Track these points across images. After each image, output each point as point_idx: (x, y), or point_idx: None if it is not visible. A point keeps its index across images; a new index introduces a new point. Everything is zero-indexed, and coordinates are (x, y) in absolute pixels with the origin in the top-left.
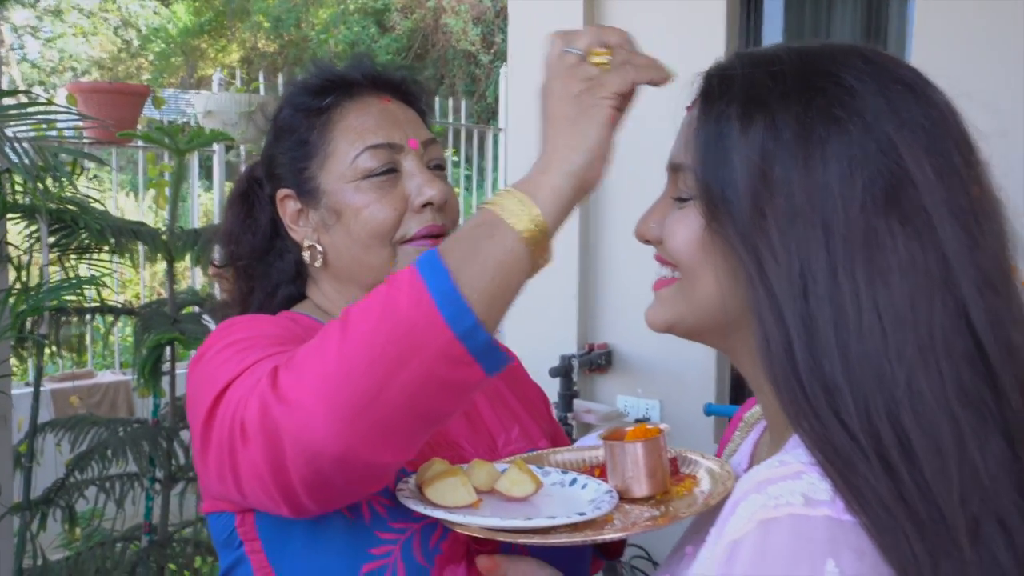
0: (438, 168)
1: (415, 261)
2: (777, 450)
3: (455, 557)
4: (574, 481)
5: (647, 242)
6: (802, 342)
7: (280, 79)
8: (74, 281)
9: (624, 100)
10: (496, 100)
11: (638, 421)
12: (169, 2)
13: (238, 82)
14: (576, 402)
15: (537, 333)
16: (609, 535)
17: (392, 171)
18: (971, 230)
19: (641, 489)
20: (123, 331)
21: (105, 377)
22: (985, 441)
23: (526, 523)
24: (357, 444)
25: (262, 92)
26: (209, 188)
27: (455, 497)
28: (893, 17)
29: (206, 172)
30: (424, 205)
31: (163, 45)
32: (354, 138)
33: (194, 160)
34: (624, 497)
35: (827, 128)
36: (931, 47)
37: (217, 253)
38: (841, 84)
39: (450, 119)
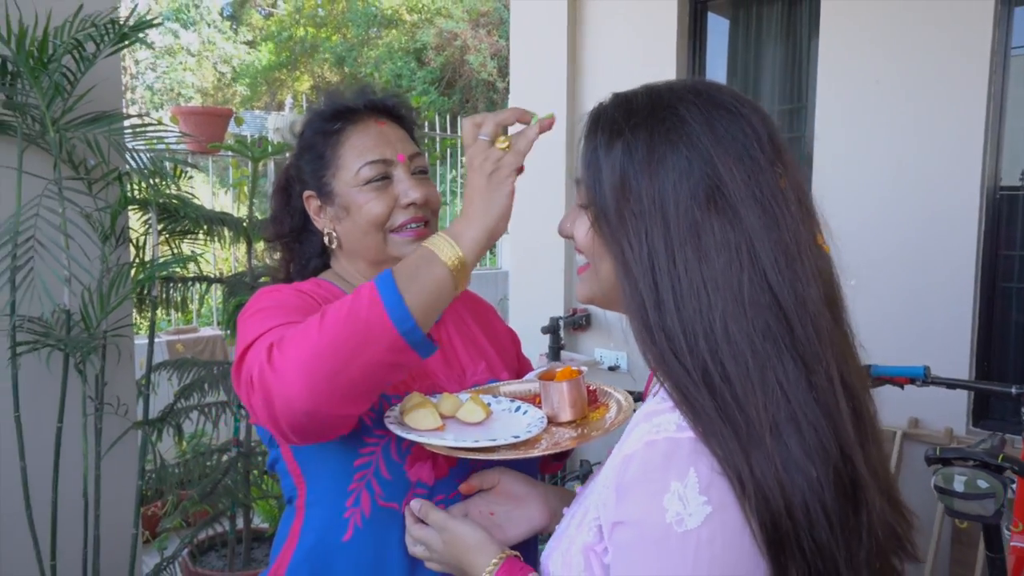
0: (422, 173)
1: (375, 280)
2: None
3: (421, 457)
4: (518, 408)
5: (567, 238)
6: (651, 303)
7: None
8: (177, 257)
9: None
10: None
11: (611, 368)
12: (256, 44)
13: (304, 105)
14: (563, 353)
15: (532, 300)
16: (538, 452)
17: (385, 178)
18: (773, 214)
19: (565, 415)
20: (219, 296)
21: (206, 332)
22: (781, 365)
23: (474, 443)
24: (324, 403)
25: None
26: None
27: (425, 423)
28: (803, 54)
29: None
30: (409, 204)
31: (250, 78)
32: (357, 154)
33: (270, 166)
34: (553, 421)
35: (665, 148)
36: (831, 76)
37: (266, 231)
38: (677, 114)
39: None
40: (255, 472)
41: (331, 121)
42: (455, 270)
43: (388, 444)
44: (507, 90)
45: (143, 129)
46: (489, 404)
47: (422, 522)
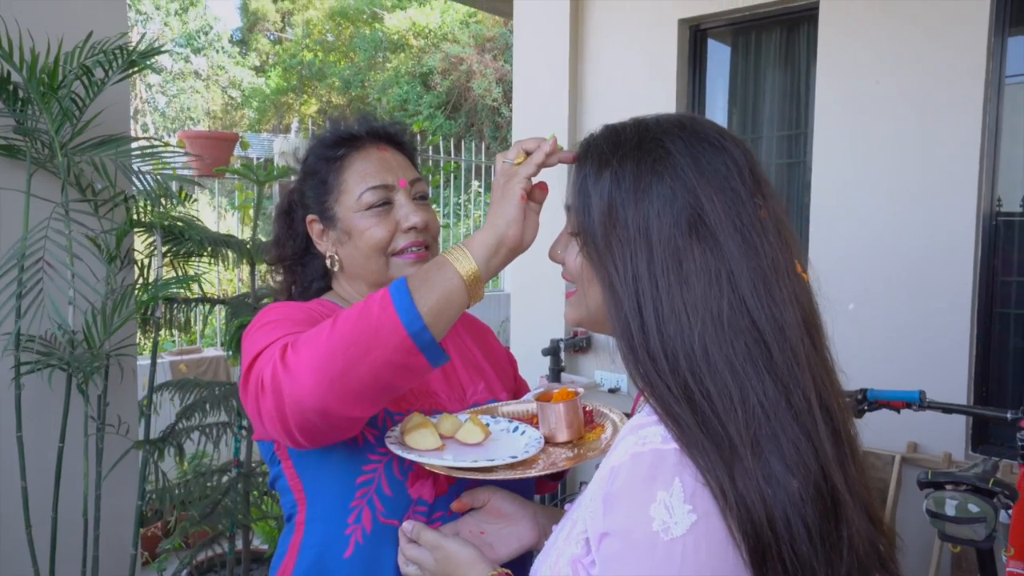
0: (422, 199)
1: (390, 285)
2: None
3: (423, 474)
4: (516, 428)
5: (557, 263)
6: (635, 325)
7: None
8: (180, 278)
9: (538, 191)
10: None
11: (611, 390)
12: (265, 69)
13: (310, 128)
14: (563, 375)
15: (533, 322)
16: (534, 472)
17: (387, 203)
18: (752, 243)
19: (562, 436)
20: (223, 317)
21: (210, 352)
22: (761, 386)
23: (473, 464)
24: (333, 402)
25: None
26: None
27: (425, 443)
28: (802, 80)
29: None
30: (410, 228)
31: (259, 102)
32: (359, 180)
33: (275, 188)
34: (550, 442)
35: (651, 178)
36: (829, 103)
37: (269, 255)
38: (663, 146)
39: (483, 158)
40: (255, 493)
41: (334, 147)
42: (468, 277)
43: (391, 461)
44: (512, 115)
45: (150, 151)
46: (488, 424)
47: (415, 543)
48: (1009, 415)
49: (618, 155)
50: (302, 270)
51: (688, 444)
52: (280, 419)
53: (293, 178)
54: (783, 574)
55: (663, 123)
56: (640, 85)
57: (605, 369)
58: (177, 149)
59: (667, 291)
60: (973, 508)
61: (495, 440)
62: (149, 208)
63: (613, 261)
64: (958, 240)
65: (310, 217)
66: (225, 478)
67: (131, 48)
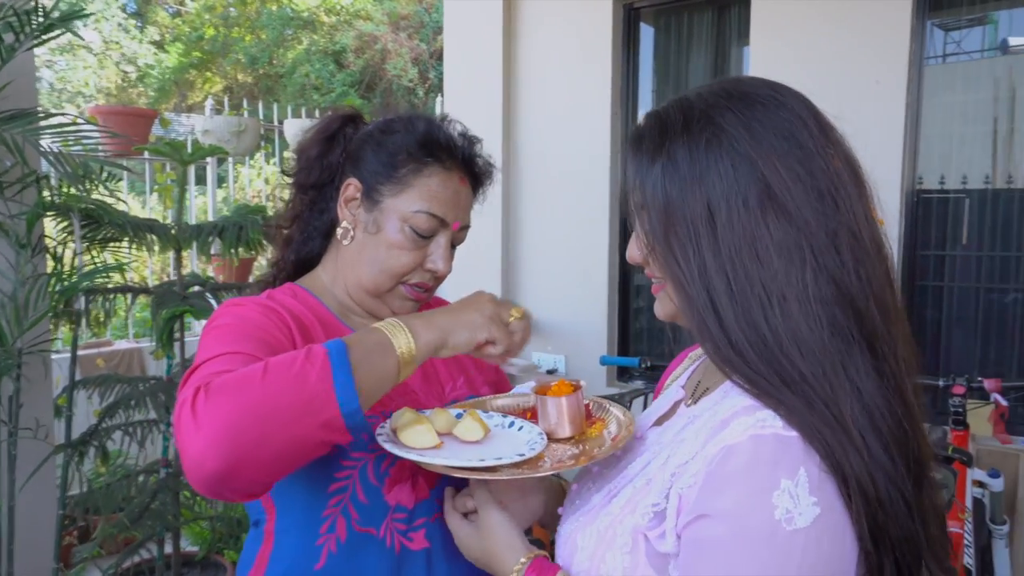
0: (454, 246)
1: (329, 350)
2: (716, 376)
3: (400, 479)
4: (512, 424)
5: (638, 264)
6: (712, 322)
7: (260, 106)
8: (103, 266)
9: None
10: None
11: (549, 371)
12: (164, 45)
13: (226, 108)
14: None
15: None
16: (542, 472)
17: (430, 236)
18: (832, 199)
19: (564, 432)
20: (135, 307)
21: (121, 345)
22: (851, 360)
23: (479, 463)
24: (240, 469)
25: (246, 116)
26: (201, 193)
27: (423, 441)
28: (732, 58)
29: (199, 179)
30: (431, 269)
31: (159, 78)
32: (427, 197)
33: (191, 170)
34: (551, 438)
35: (706, 160)
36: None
37: (295, 178)
38: (712, 121)
39: None
40: (186, 493)
41: (425, 147)
42: (403, 359)
43: (365, 467)
44: (429, 95)
45: (63, 128)
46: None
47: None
48: (942, 382)
49: (667, 143)
50: (308, 218)
51: (801, 428)
52: (182, 463)
53: (231, 159)
54: (893, 555)
55: (706, 96)
56: (575, 62)
57: (543, 351)
58: (96, 126)
59: (743, 277)
60: (935, 475)
61: (493, 437)
62: (65, 189)
63: (676, 259)
64: (884, 216)
65: (353, 180)
66: (153, 479)
67: (48, 9)
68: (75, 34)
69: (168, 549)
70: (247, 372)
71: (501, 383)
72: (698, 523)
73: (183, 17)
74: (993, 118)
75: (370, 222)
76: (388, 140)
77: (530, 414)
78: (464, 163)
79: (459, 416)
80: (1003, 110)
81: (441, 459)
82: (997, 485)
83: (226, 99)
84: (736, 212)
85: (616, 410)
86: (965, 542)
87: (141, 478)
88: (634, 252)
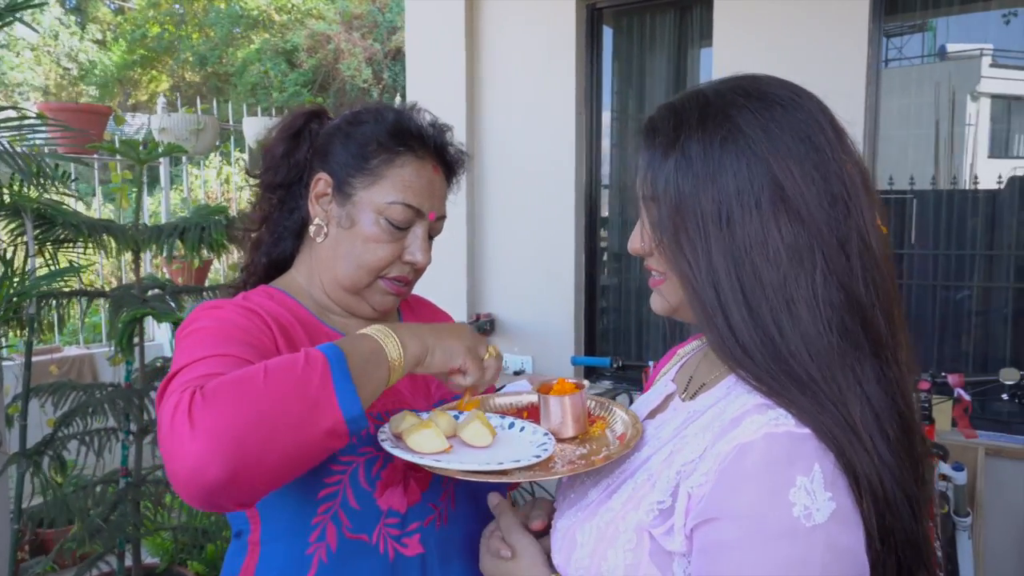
0: (432, 237)
1: (328, 355)
2: (715, 373)
3: (392, 482)
4: (512, 424)
5: (640, 255)
6: (720, 321)
7: (214, 104)
8: (59, 270)
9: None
10: None
11: (516, 373)
12: (107, 43)
13: (179, 107)
14: None
15: (436, 304)
16: (557, 475)
17: (407, 227)
18: (844, 203)
19: (568, 431)
20: (87, 311)
21: (72, 351)
22: (858, 362)
23: (497, 466)
24: (241, 478)
25: (199, 115)
26: (154, 192)
27: (432, 445)
28: (692, 60)
29: (152, 180)
30: (409, 262)
31: (101, 75)
32: (401, 187)
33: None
34: (555, 438)
35: (720, 159)
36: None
37: (261, 178)
38: (729, 119)
39: None
40: (147, 503)
41: (396, 136)
42: (392, 371)
43: (356, 471)
44: (383, 97)
45: (13, 123)
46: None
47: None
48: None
49: (681, 138)
50: (278, 218)
51: (813, 426)
52: (171, 476)
53: (185, 159)
54: (896, 555)
55: (724, 92)
56: (538, 65)
57: (509, 351)
58: (50, 122)
59: (753, 278)
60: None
61: (499, 439)
62: (16, 189)
63: (685, 256)
64: None
65: (323, 175)
66: (111, 489)
67: None
68: (27, 24)
69: (128, 562)
70: (246, 375)
71: None
72: (713, 525)
73: (126, 15)
74: (935, 121)
75: (343, 217)
76: (357, 131)
77: (526, 413)
78: (436, 151)
79: (457, 417)
80: (944, 114)
81: (456, 463)
82: (961, 478)
83: (177, 98)
84: (748, 213)
85: (620, 410)
86: (935, 535)
87: (99, 488)
88: (636, 243)
